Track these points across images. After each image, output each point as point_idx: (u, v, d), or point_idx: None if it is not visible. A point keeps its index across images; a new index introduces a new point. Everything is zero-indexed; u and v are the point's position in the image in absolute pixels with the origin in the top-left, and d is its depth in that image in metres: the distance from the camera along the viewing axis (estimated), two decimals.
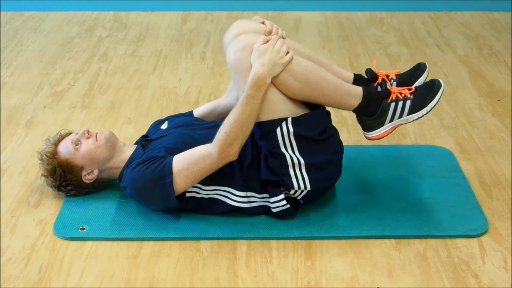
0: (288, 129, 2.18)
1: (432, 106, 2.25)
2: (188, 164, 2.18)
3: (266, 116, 2.19)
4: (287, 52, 2.16)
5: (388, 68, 3.58)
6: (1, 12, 4.44)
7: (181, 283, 2.06)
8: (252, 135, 2.34)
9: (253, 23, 2.29)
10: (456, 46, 3.90)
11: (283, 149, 2.20)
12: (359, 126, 2.35)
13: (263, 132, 2.21)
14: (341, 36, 4.07)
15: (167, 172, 2.19)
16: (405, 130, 2.88)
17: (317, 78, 2.19)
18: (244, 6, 4.48)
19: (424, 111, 2.25)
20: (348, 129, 2.90)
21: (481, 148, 2.79)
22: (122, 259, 2.16)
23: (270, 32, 2.26)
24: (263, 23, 2.30)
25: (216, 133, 2.17)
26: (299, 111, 2.21)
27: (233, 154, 2.17)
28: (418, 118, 2.26)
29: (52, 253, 2.19)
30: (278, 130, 2.18)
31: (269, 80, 2.14)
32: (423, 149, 2.76)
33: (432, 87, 2.25)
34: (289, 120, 2.18)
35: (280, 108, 2.19)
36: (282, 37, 2.24)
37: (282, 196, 2.25)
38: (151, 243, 2.22)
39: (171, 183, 2.19)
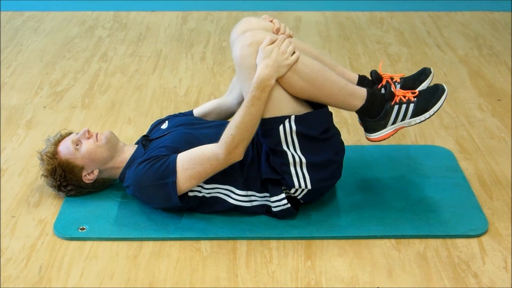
0: (291, 127, 2.18)
1: (435, 110, 2.27)
2: (193, 164, 2.18)
3: (270, 113, 2.19)
4: (293, 53, 2.17)
5: (388, 68, 3.58)
6: (1, 12, 4.44)
7: (181, 283, 2.06)
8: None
9: (262, 21, 2.30)
10: (456, 46, 3.89)
11: (285, 147, 2.20)
12: (359, 126, 2.35)
13: (265, 129, 2.21)
14: (341, 36, 4.06)
15: (171, 171, 2.19)
16: (405, 130, 2.88)
17: (322, 78, 2.20)
18: (244, 6, 4.48)
19: (427, 114, 2.27)
20: (348, 129, 2.90)
21: (481, 148, 2.79)
22: (122, 259, 2.16)
23: (278, 30, 2.27)
24: (271, 21, 2.30)
25: (219, 133, 2.18)
26: (302, 110, 2.21)
27: (239, 154, 2.17)
28: (421, 121, 2.28)
29: (52, 253, 2.19)
30: (281, 127, 2.18)
31: (273, 82, 2.14)
32: (423, 149, 2.76)
33: (436, 92, 2.28)
34: (292, 118, 2.18)
35: (284, 106, 2.19)
36: (290, 36, 2.24)
37: (283, 195, 2.25)
38: (151, 243, 2.22)
39: (174, 183, 2.19)
